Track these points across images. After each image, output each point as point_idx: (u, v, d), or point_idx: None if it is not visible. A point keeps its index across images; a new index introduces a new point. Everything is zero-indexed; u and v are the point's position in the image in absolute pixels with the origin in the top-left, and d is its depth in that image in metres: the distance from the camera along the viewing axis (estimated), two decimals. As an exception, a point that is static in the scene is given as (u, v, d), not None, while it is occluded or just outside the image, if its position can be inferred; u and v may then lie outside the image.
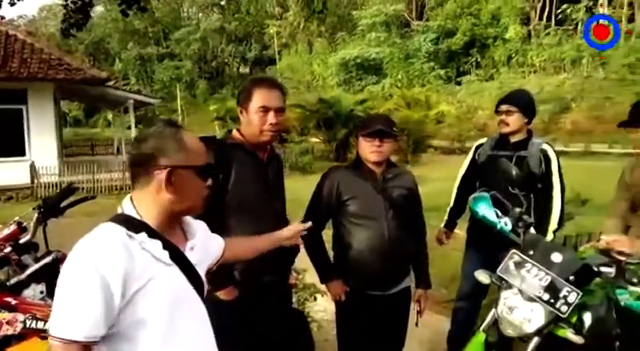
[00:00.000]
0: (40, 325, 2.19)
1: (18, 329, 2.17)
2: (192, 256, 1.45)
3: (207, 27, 39.97)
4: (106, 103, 19.77)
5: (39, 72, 13.24)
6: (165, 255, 1.35)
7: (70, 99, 25.16)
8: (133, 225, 1.34)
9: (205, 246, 1.57)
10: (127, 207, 1.39)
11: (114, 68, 39.19)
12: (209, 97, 36.67)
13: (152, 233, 1.35)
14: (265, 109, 2.14)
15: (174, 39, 41.08)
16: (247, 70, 42.58)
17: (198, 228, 1.55)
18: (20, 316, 2.18)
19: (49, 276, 2.40)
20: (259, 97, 2.15)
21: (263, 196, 2.22)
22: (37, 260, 2.41)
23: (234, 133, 2.27)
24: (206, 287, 1.52)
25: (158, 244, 1.35)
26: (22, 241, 2.54)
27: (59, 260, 2.47)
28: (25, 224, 2.58)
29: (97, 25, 41.82)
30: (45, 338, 2.18)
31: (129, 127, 18.08)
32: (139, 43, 41.26)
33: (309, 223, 2.02)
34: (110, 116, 27.06)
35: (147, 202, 1.37)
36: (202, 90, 38.61)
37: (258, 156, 2.24)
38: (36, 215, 2.57)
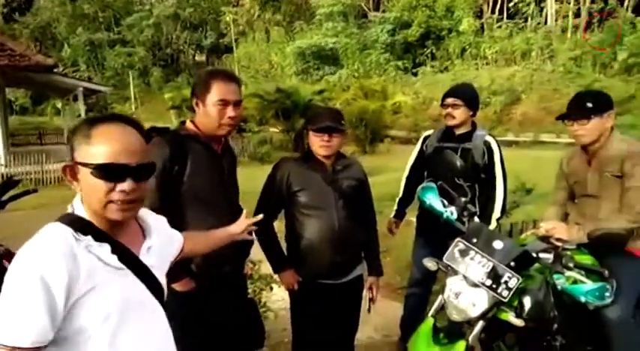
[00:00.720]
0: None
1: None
2: (148, 258, 1.40)
3: (160, 13, 38.76)
4: (53, 90, 18.98)
5: (-20, 57, 12.60)
6: (113, 259, 1.30)
7: (16, 86, 24.02)
8: (80, 226, 1.28)
9: (165, 244, 1.52)
10: (77, 206, 1.33)
11: (62, 54, 37.54)
12: (164, 85, 35.70)
13: (100, 235, 1.30)
14: (224, 103, 2.14)
15: (125, 25, 39.67)
16: (203, 58, 41.68)
17: (157, 226, 1.50)
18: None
19: (-8, 271, 2.32)
20: (217, 90, 2.14)
21: (218, 188, 2.22)
22: (-22, 255, 2.32)
23: (188, 124, 2.25)
24: (165, 290, 1.46)
25: (106, 247, 1.30)
26: (-38, 235, 2.44)
27: (2, 255, 2.39)
28: (-35, 218, 2.48)
29: (43, 8, 39.93)
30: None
31: (79, 116, 17.43)
32: (88, 29, 39.59)
33: (259, 216, 2.03)
34: (59, 104, 25.95)
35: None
36: (156, 78, 37.54)
37: (213, 148, 2.23)
38: (-23, 209, 2.47)
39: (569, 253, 2.22)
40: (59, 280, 1.19)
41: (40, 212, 8.92)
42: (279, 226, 2.65)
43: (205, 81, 2.17)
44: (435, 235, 2.97)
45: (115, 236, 1.33)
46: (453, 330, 2.16)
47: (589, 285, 2.15)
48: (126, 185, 1.28)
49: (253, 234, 2.52)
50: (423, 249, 3.19)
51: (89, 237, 1.28)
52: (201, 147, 2.17)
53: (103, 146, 1.27)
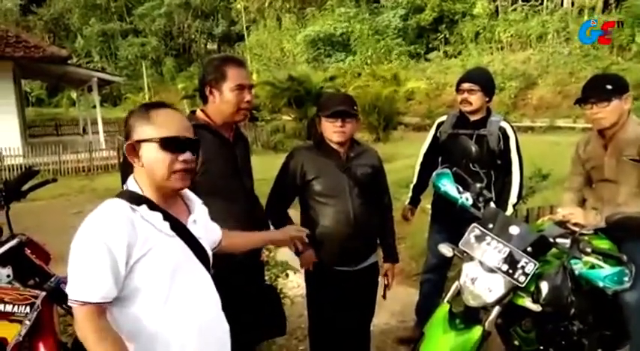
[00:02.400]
0: (9, 308, 2.18)
1: (-15, 313, 2.15)
2: (194, 228, 1.58)
3: (171, 1, 38.67)
4: (68, 81, 19.13)
5: (-4, 50, 12.74)
6: (166, 226, 1.49)
7: (32, 78, 24.25)
8: (135, 199, 1.48)
9: (206, 224, 1.71)
10: (130, 183, 1.53)
11: (75, 45, 37.76)
12: (176, 75, 35.80)
13: (153, 206, 1.48)
14: (241, 87, 2.18)
15: (137, 14, 39.70)
16: (215, 46, 41.65)
17: (200, 207, 1.68)
18: (-13, 301, 2.16)
19: (15, 259, 2.38)
20: (233, 76, 2.17)
21: (232, 176, 2.24)
22: (1, 244, 2.37)
23: (199, 113, 2.26)
24: (211, 259, 1.64)
25: (159, 216, 1.48)
26: (-17, 226, 2.49)
27: (24, 244, 2.44)
28: (-14, 209, 2.53)
29: (56, 0, 40.16)
30: (13, 321, 2.18)
31: (94, 107, 17.59)
32: (100, 19, 39.73)
33: (306, 231, 2.18)
34: (74, 95, 26.17)
35: (141, 177, 1.52)
36: (169, 67, 37.62)
37: (225, 136, 2.24)
38: (-3, 200, 2.52)
39: (586, 238, 2.21)
40: (120, 244, 1.39)
41: (59, 202, 9.04)
42: (294, 214, 2.66)
43: (219, 68, 2.18)
44: (450, 222, 2.96)
45: (168, 209, 1.53)
46: (469, 315, 2.17)
47: (607, 270, 2.14)
48: (187, 155, 1.50)
49: (269, 222, 2.54)
50: (438, 235, 3.18)
51: (144, 206, 1.47)
52: (212, 136, 2.18)
53: (165, 123, 1.49)
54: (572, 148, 2.91)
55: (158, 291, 1.47)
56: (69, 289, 1.43)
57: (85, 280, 1.41)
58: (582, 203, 2.78)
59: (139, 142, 1.48)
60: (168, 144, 1.47)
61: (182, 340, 1.51)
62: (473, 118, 3.16)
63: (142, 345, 1.48)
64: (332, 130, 2.46)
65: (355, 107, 2.52)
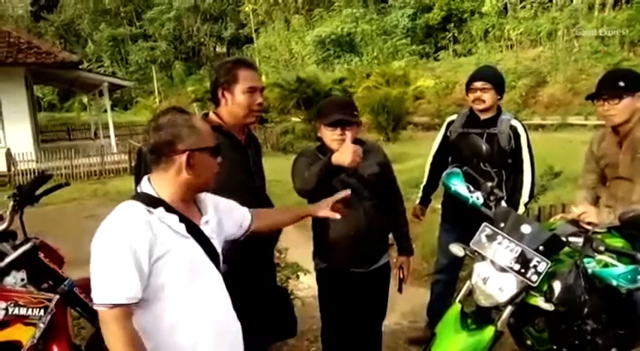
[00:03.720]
0: (23, 311, 2.21)
1: (0, 316, 2.18)
2: (206, 229, 1.63)
3: (180, 5, 38.95)
4: (80, 86, 19.32)
5: (8, 56, 12.84)
6: (182, 228, 1.53)
7: (44, 83, 24.51)
8: (151, 201, 1.52)
9: (220, 220, 1.75)
10: (145, 187, 1.57)
11: (86, 50, 38.13)
12: (186, 79, 36.02)
13: (169, 208, 1.53)
14: (253, 90, 2.20)
15: (147, 19, 40.01)
16: (224, 49, 41.84)
17: (210, 204, 1.72)
18: (2, 304, 2.19)
19: (29, 263, 2.41)
20: (245, 79, 2.19)
21: (245, 178, 2.25)
22: (15, 248, 2.40)
23: (211, 115, 2.27)
24: (221, 258, 1.69)
25: (175, 218, 1.53)
26: (-2, 230, 2.52)
27: (38, 247, 2.47)
28: (1, 213, 2.56)
29: (66, 5, 40.54)
30: (28, 324, 2.20)
31: (105, 111, 17.74)
32: (110, 24, 40.10)
33: (346, 192, 2.11)
34: (85, 100, 26.42)
35: (165, 182, 1.56)
36: (179, 71, 37.85)
37: (237, 138, 2.25)
38: (11, 203, 2.55)
39: (599, 236, 2.18)
40: (142, 245, 1.44)
41: (72, 206, 9.12)
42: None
43: (230, 70, 2.20)
44: (460, 221, 2.94)
45: (184, 211, 1.58)
46: (481, 315, 2.15)
47: (621, 268, 2.11)
48: (219, 159, 1.64)
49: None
50: (449, 235, 3.16)
51: (160, 208, 1.51)
52: (225, 138, 2.18)
53: (206, 132, 1.60)
54: (584, 145, 2.88)
55: (177, 291, 1.51)
56: (94, 294, 1.44)
57: (111, 282, 1.43)
58: (596, 201, 2.75)
59: (195, 151, 1.55)
60: (216, 151, 1.61)
61: (196, 339, 1.55)
62: (483, 116, 3.14)
63: (158, 344, 1.51)
64: (331, 138, 2.42)
65: (356, 113, 2.47)
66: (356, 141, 2.53)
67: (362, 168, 2.49)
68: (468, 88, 3.16)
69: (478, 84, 3.10)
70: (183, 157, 1.52)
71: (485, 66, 3.62)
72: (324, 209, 2.06)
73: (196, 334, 1.55)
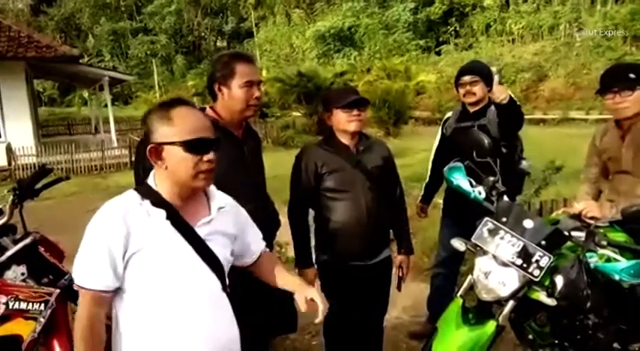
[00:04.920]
0: (23, 305, 2.20)
1: (1, 311, 2.17)
2: (204, 229, 1.54)
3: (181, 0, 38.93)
4: (80, 81, 19.27)
5: (8, 50, 12.80)
6: (166, 224, 1.48)
7: (44, 78, 24.48)
8: (146, 193, 1.51)
9: (231, 226, 1.65)
10: (150, 178, 1.55)
11: (86, 44, 38.06)
12: (187, 72, 35.97)
13: (160, 203, 1.49)
14: (250, 84, 2.18)
15: (147, 13, 39.91)
16: (225, 43, 41.73)
17: (234, 211, 1.68)
18: (2, 298, 2.18)
19: (29, 257, 2.40)
20: (242, 73, 2.17)
21: (241, 174, 2.23)
22: (15, 242, 2.39)
23: (208, 110, 2.25)
24: (222, 260, 1.57)
25: (161, 213, 1.48)
26: (-2, 224, 2.51)
27: (38, 242, 2.46)
28: (1, 207, 2.55)
29: (66, 0, 40.47)
30: (28, 318, 2.20)
31: (105, 105, 17.71)
32: (111, 18, 40.02)
33: (325, 309, 1.82)
34: (86, 94, 26.38)
35: (159, 176, 1.53)
36: (179, 65, 37.80)
37: (234, 133, 2.24)
38: (11, 197, 2.54)
39: (602, 230, 2.17)
40: (117, 238, 1.43)
41: (72, 200, 9.13)
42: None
43: (228, 65, 2.18)
44: (462, 216, 2.95)
45: (180, 208, 1.52)
46: (483, 310, 2.14)
47: (623, 263, 2.10)
48: (211, 155, 1.50)
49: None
50: (450, 229, 3.17)
51: (147, 201, 1.48)
52: (222, 133, 2.17)
53: (186, 125, 1.47)
54: (586, 140, 2.87)
55: (151, 287, 1.47)
56: (74, 274, 1.50)
57: (87, 268, 1.47)
58: (598, 195, 2.75)
59: (162, 144, 1.47)
60: (193, 146, 1.46)
61: (183, 343, 1.48)
62: (473, 109, 3.17)
63: (143, 343, 1.48)
64: (349, 119, 2.47)
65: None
66: (360, 135, 2.55)
67: (365, 161, 2.51)
68: (458, 84, 3.19)
69: (467, 78, 3.14)
70: (152, 150, 1.48)
71: (472, 61, 3.67)
72: (314, 294, 1.79)
73: (182, 339, 1.48)
